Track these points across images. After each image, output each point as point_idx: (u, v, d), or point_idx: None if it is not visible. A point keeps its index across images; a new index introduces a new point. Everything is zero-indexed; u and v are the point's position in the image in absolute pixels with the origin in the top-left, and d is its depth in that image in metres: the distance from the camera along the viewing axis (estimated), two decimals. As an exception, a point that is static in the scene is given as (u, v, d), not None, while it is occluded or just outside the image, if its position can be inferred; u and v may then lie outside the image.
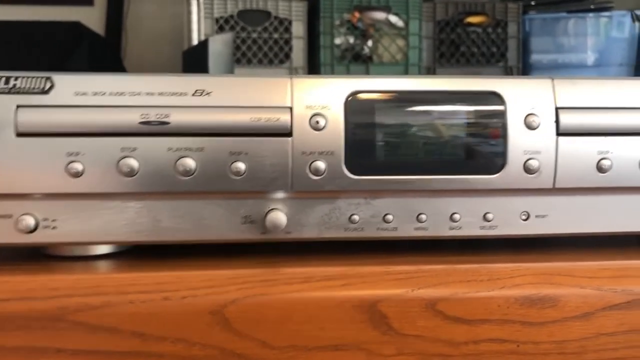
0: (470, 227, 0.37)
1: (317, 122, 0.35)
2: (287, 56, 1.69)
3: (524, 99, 0.36)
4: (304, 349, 0.33)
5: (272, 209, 0.35)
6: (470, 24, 1.83)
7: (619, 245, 0.40)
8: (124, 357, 0.32)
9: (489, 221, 0.37)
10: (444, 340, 0.33)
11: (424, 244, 0.38)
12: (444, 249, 0.38)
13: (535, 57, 1.82)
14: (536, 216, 0.37)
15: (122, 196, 0.34)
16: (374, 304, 0.33)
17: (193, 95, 0.34)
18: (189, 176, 0.34)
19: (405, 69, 1.71)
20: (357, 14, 1.76)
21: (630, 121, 0.37)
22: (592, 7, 1.91)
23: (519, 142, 0.36)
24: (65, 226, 0.34)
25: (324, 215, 0.36)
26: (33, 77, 0.34)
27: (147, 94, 0.34)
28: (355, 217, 0.36)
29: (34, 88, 0.33)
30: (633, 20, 1.87)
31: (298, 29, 1.69)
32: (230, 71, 1.10)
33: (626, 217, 0.38)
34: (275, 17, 1.68)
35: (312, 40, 1.81)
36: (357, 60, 1.70)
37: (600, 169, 0.37)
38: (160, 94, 0.34)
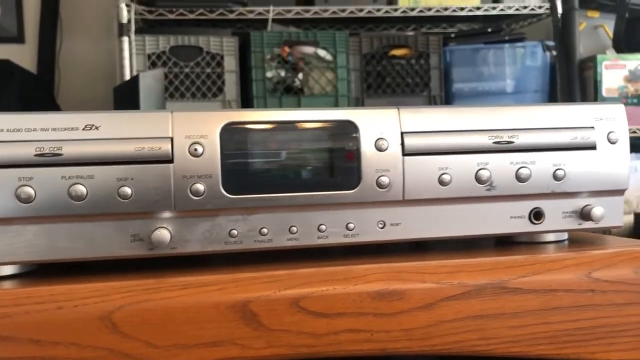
0: (335, 236, 0.43)
1: (196, 150, 0.40)
2: (220, 90, 1.75)
3: (374, 126, 0.43)
4: (185, 347, 0.37)
5: (158, 227, 0.40)
6: (395, 57, 1.94)
7: (462, 246, 0.47)
8: (21, 362, 0.36)
9: (350, 230, 0.43)
10: (308, 332, 0.39)
11: (296, 253, 0.43)
12: (314, 256, 0.44)
13: (457, 86, 1.94)
14: (391, 224, 0.44)
15: (21, 220, 0.39)
16: (246, 304, 0.38)
17: (83, 129, 0.39)
18: (81, 201, 0.39)
19: (335, 100, 1.79)
20: (286, 49, 1.84)
21: (465, 141, 0.44)
22: (507, 38, 2.07)
23: (371, 161, 0.43)
24: (-32, 250, 0.38)
25: (206, 231, 0.41)
26: (-64, 118, 0.38)
27: (42, 129, 0.39)
28: (234, 232, 0.42)
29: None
30: (544, 50, 2.03)
31: (230, 63, 1.75)
32: (162, 106, 1.13)
33: (466, 222, 0.45)
34: (207, 52, 1.74)
35: (244, 74, 1.87)
36: (289, 93, 1.78)
37: (441, 182, 0.44)
38: (54, 129, 0.39)
